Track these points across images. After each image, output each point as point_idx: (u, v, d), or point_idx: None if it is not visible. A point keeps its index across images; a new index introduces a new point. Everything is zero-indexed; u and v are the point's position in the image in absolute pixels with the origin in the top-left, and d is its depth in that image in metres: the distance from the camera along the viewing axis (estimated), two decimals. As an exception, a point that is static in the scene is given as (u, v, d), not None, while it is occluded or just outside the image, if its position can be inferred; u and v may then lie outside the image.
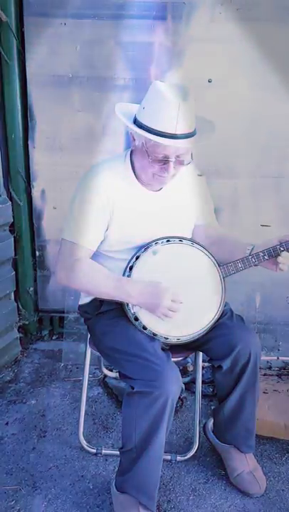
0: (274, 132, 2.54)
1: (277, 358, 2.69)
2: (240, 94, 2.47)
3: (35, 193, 2.70)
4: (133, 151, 1.74)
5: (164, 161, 1.61)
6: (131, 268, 1.70)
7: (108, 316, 1.77)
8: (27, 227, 2.75)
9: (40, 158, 2.64)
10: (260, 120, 2.51)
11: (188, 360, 2.54)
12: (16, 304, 2.75)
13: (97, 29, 2.43)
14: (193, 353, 1.97)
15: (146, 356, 1.59)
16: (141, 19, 2.42)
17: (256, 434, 1.94)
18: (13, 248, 2.66)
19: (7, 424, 2.23)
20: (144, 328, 1.70)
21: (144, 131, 1.57)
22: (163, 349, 1.68)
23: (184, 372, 2.56)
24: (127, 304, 1.69)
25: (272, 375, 2.52)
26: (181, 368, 2.57)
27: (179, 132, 1.55)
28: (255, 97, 2.48)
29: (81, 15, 2.41)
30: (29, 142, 2.61)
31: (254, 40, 2.40)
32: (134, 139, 1.67)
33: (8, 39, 2.43)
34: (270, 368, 2.63)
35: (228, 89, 2.46)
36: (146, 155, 1.62)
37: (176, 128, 1.54)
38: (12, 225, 2.68)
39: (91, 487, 1.89)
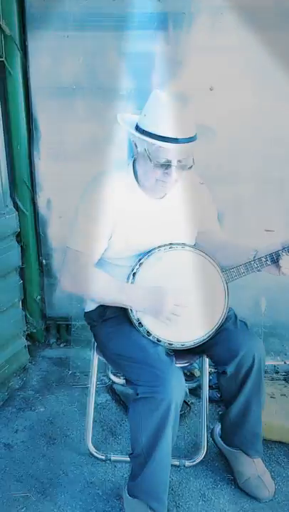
0: (276, 138, 2.56)
1: (284, 363, 2.69)
2: (242, 101, 2.49)
3: (41, 202, 2.73)
4: (136, 160, 1.77)
5: (167, 166, 1.64)
6: (134, 274, 1.72)
7: (113, 322, 1.79)
8: (33, 236, 2.78)
9: (45, 168, 2.67)
10: (262, 126, 2.53)
11: (195, 365, 2.55)
12: (23, 312, 2.78)
13: (100, 40, 2.47)
14: (200, 358, 1.98)
15: (149, 361, 1.61)
16: (142, 30, 2.45)
17: (264, 439, 1.95)
18: (20, 257, 2.69)
19: (16, 431, 2.24)
20: (148, 333, 1.72)
21: (147, 137, 1.60)
22: (168, 354, 1.70)
23: (191, 377, 2.57)
24: (131, 310, 1.71)
25: (279, 380, 2.52)
26: (188, 373, 2.58)
27: (180, 136, 1.58)
28: (257, 104, 2.50)
29: (83, 27, 2.45)
30: (34, 153, 2.64)
31: (255, 48, 2.42)
32: (137, 146, 1.70)
33: (12, 52, 2.47)
34: (277, 372, 2.63)
35: (230, 96, 2.48)
36: (149, 160, 1.64)
37: (177, 132, 1.57)
38: (18, 235, 2.71)
39: (100, 493, 1.90)
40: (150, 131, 1.60)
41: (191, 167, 1.69)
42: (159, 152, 1.61)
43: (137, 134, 1.64)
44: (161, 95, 1.62)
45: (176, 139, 1.58)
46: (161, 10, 2.41)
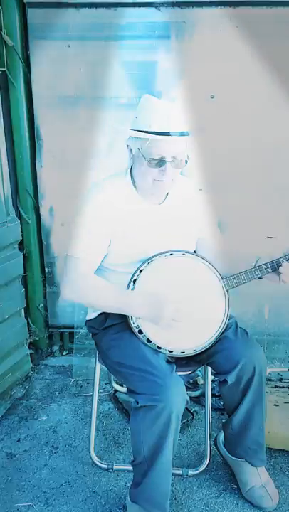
0: (278, 145, 2.56)
1: (288, 370, 2.68)
2: (243, 109, 2.50)
3: (44, 210, 2.74)
4: (132, 165, 1.78)
5: (161, 163, 1.65)
6: (134, 281, 1.72)
7: (113, 330, 1.79)
8: (36, 244, 2.79)
9: (47, 177, 2.69)
10: (263, 134, 2.54)
11: (198, 373, 2.54)
12: (26, 320, 2.78)
13: (101, 50, 2.48)
14: (203, 367, 1.97)
15: (149, 370, 1.61)
16: (143, 39, 2.47)
17: (268, 447, 1.93)
18: (22, 266, 2.70)
19: (19, 440, 2.24)
20: (149, 341, 1.71)
21: (139, 132, 1.64)
22: (168, 362, 1.70)
23: (194, 385, 2.56)
24: (131, 317, 1.71)
25: (283, 387, 2.50)
26: (191, 381, 2.57)
27: (171, 130, 1.61)
28: (258, 112, 2.51)
29: (85, 37, 2.47)
30: (36, 161, 2.66)
31: (255, 56, 2.43)
32: (132, 151, 1.73)
33: (14, 62, 2.49)
34: (280, 379, 2.62)
35: (231, 104, 2.50)
36: (144, 159, 1.66)
37: (169, 126, 1.61)
38: (21, 243, 2.72)
39: (103, 503, 1.89)
40: (143, 129, 1.64)
41: (185, 164, 1.70)
42: (152, 149, 1.64)
43: (130, 131, 1.68)
44: (151, 97, 1.68)
45: (168, 132, 1.61)
46: (162, 19, 2.43)
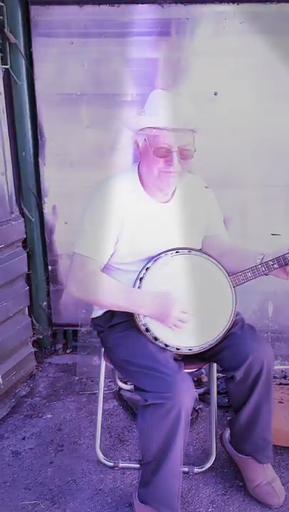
0: (281, 142, 2.56)
1: (292, 367, 2.68)
2: (246, 106, 2.50)
3: (47, 208, 2.74)
4: (140, 163, 1.78)
5: (167, 153, 1.65)
6: (141, 279, 1.72)
7: (120, 328, 1.78)
8: (39, 242, 2.79)
9: (50, 175, 2.68)
10: (266, 130, 2.54)
11: (203, 371, 2.54)
12: (30, 318, 2.78)
13: (104, 47, 2.48)
14: (208, 364, 1.97)
15: (157, 367, 1.60)
16: (146, 36, 2.47)
17: (273, 445, 1.93)
18: (26, 264, 2.70)
19: (24, 438, 2.24)
20: (156, 339, 1.71)
21: (146, 123, 1.66)
22: (175, 359, 1.69)
23: (198, 383, 2.56)
24: (138, 316, 1.71)
25: (287, 384, 2.50)
26: (195, 379, 2.57)
27: (178, 120, 1.63)
28: (261, 108, 2.51)
29: (87, 34, 2.47)
30: (40, 159, 2.66)
31: (258, 53, 2.44)
32: (138, 145, 1.74)
33: (17, 60, 2.49)
34: (285, 377, 2.62)
35: (234, 101, 2.49)
36: (150, 150, 1.67)
37: (176, 115, 1.62)
38: (25, 241, 2.72)
39: (109, 500, 1.89)
40: (149, 120, 1.66)
41: (192, 156, 1.71)
42: (159, 138, 1.64)
43: (136, 118, 1.71)
44: (160, 91, 1.73)
45: (174, 122, 1.62)
46: (165, 16, 2.43)
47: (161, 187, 1.75)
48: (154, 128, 1.64)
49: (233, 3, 2.39)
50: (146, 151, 1.69)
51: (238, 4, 2.40)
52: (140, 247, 1.74)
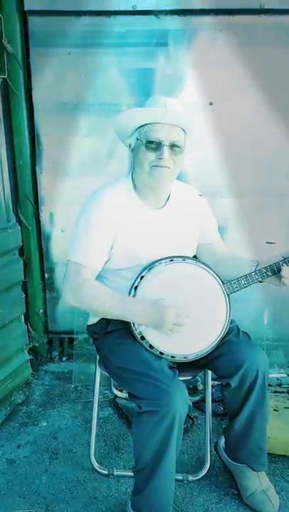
0: (276, 151, 2.59)
1: (288, 375, 2.68)
2: (241, 116, 2.53)
3: (44, 216, 2.75)
4: (133, 168, 1.80)
5: (158, 147, 1.68)
6: (136, 288, 1.73)
7: (115, 335, 1.79)
8: (36, 250, 2.80)
9: (47, 183, 2.70)
10: (262, 140, 2.56)
11: (198, 378, 2.54)
12: (26, 326, 2.78)
13: (101, 57, 2.51)
14: (203, 372, 1.97)
15: (152, 375, 1.61)
16: (143, 46, 2.50)
17: (267, 453, 1.93)
18: (22, 271, 2.71)
19: (19, 446, 2.23)
20: (151, 346, 1.72)
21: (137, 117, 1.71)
22: (170, 367, 1.70)
23: (193, 391, 2.56)
24: (133, 324, 1.72)
25: (282, 392, 2.51)
26: (190, 386, 2.57)
27: (169, 115, 1.67)
28: (256, 118, 2.54)
29: (85, 44, 2.50)
30: (37, 168, 2.67)
31: (253, 63, 2.47)
32: (131, 145, 1.78)
33: (14, 70, 2.51)
34: (280, 385, 2.62)
35: (229, 111, 2.52)
36: (142, 145, 1.70)
37: (166, 111, 1.67)
38: (21, 249, 2.73)
39: (104, 509, 1.89)
40: (142, 118, 1.71)
41: (182, 152, 1.73)
42: (150, 133, 1.68)
43: (130, 119, 1.73)
44: (155, 96, 1.82)
45: (165, 116, 1.67)
46: (161, 27, 2.46)
47: (153, 185, 1.75)
48: (147, 124, 1.69)
49: (228, 14, 2.43)
50: (138, 149, 1.73)
51: (232, 16, 2.43)
52: (134, 254, 1.76)
